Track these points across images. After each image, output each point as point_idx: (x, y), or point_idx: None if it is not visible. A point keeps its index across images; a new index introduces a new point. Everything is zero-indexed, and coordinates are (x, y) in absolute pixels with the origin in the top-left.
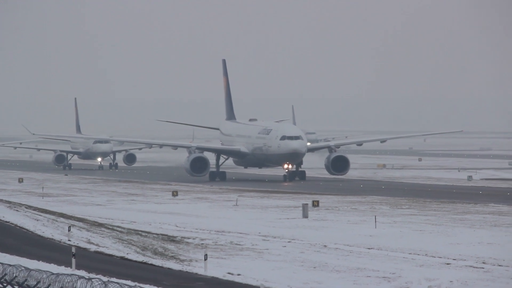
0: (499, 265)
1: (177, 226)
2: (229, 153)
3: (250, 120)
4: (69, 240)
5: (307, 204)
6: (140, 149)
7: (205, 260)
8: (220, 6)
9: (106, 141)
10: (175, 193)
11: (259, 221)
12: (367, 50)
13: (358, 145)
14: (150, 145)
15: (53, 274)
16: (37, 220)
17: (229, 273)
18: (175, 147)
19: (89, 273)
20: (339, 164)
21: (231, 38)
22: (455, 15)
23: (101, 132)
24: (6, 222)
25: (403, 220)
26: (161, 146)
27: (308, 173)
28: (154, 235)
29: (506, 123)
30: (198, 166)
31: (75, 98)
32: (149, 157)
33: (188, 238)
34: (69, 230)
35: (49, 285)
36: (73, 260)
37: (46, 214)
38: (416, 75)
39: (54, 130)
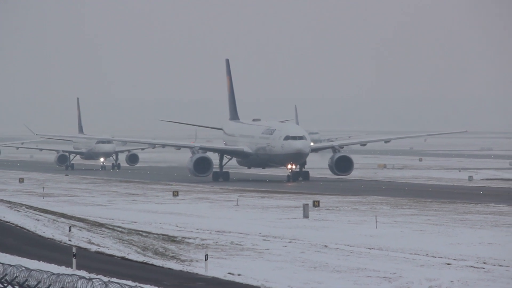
0: (500, 265)
1: (177, 226)
2: (233, 153)
3: (254, 120)
4: (70, 240)
5: (307, 204)
6: (142, 149)
7: (205, 260)
8: (221, 6)
9: (109, 141)
10: (175, 193)
11: (259, 221)
12: (368, 50)
13: (362, 145)
14: (153, 145)
15: (53, 274)
16: (38, 220)
17: (229, 273)
18: (178, 147)
19: (89, 273)
20: (342, 164)
21: (231, 38)
22: (455, 15)
23: (103, 132)
24: (7, 222)
25: (403, 220)
26: (164, 146)
27: (311, 173)
28: (155, 235)
29: (507, 123)
30: (201, 167)
31: (78, 98)
32: (151, 157)
33: (189, 238)
34: (69, 230)
35: (50, 285)
36: (74, 260)
37: (47, 214)
38: (417, 75)
39: (55, 130)
